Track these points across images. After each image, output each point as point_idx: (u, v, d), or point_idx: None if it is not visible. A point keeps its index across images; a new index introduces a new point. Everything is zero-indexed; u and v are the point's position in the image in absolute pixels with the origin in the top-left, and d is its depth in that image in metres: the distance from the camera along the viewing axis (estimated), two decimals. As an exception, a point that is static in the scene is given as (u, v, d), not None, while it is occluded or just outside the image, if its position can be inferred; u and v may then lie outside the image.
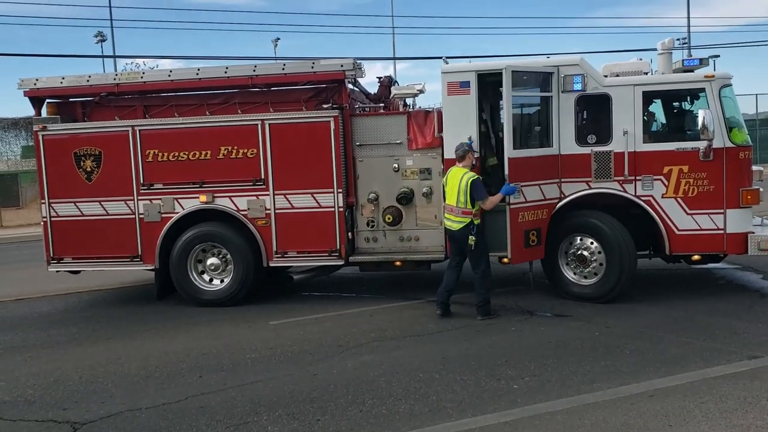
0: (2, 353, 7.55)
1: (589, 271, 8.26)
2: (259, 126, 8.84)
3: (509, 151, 7.86)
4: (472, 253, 7.69)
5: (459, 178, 7.61)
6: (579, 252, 8.27)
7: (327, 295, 9.56)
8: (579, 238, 8.28)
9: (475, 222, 7.60)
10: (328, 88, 9.04)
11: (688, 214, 8.00)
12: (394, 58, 44.28)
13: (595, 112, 8.25)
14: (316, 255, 8.95)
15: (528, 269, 8.90)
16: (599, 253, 8.18)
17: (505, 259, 8.60)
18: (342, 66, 8.80)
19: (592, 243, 8.22)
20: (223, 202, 8.96)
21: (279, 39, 61.86)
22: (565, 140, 8.20)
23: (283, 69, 9.08)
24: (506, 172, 7.83)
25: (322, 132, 8.74)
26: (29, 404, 5.86)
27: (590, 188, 8.19)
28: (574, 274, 8.36)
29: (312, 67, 8.94)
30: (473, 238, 7.56)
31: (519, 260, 8.24)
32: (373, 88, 9.90)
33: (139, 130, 9.04)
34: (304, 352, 6.91)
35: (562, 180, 8.23)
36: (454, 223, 7.68)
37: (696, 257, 8.41)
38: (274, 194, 8.87)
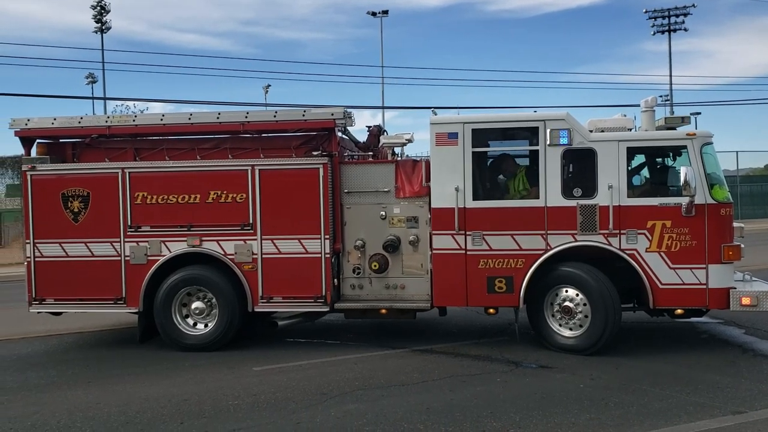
0: (-22, 395, 7.40)
1: (575, 322, 8.30)
2: (249, 171, 8.91)
3: (468, 202, 8.37)
4: None
5: None
6: (564, 303, 8.31)
7: (311, 341, 9.49)
8: (565, 289, 8.34)
9: None
10: (318, 136, 9.16)
11: (671, 268, 8.10)
12: (383, 107, 44.97)
13: (580, 166, 8.40)
14: (302, 301, 8.93)
15: (514, 320, 8.94)
16: (584, 305, 8.23)
17: (491, 310, 8.70)
18: (332, 115, 8.94)
19: (577, 295, 8.27)
20: (211, 246, 8.96)
21: (270, 85, 62.91)
22: (551, 193, 8.32)
23: (275, 116, 9.21)
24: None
25: (311, 179, 8.82)
26: (5, 449, 5.74)
27: (576, 241, 8.29)
28: (560, 325, 8.39)
29: (303, 115, 9.07)
30: None
31: (477, 304, 8.66)
32: (362, 137, 10.05)
33: (129, 173, 9.07)
34: (287, 399, 6.83)
35: (549, 232, 8.32)
36: None
37: (679, 311, 8.46)
38: (261, 239, 8.89)
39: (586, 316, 8.23)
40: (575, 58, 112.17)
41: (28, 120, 9.41)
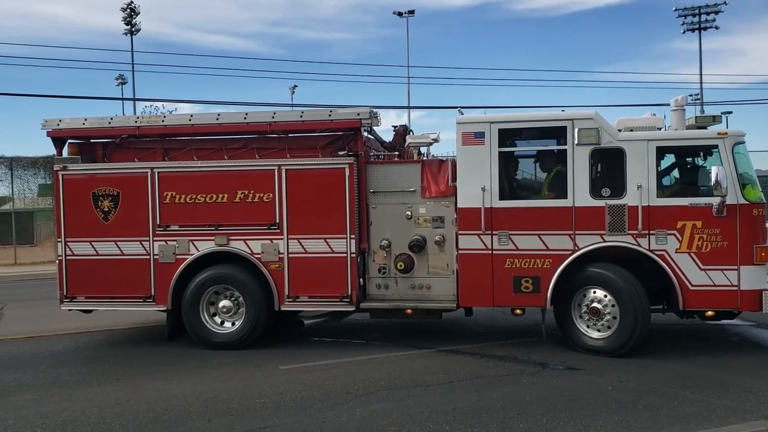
0: (12, 391, 7.53)
1: (603, 324, 8.21)
2: (276, 171, 8.96)
3: (494, 201, 8.30)
4: None
5: None
6: (592, 305, 8.23)
7: (337, 341, 9.52)
8: (593, 290, 8.25)
9: None
10: (344, 136, 9.19)
11: (701, 269, 7.98)
12: (409, 107, 45.01)
13: (609, 165, 8.31)
14: (328, 300, 8.96)
15: (540, 321, 8.87)
16: (613, 306, 8.14)
17: (518, 311, 8.64)
18: (358, 115, 8.96)
19: (605, 296, 8.18)
20: (238, 245, 9.03)
21: (296, 86, 63.36)
22: (579, 193, 8.24)
23: (301, 117, 9.26)
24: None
25: (337, 178, 8.85)
26: (37, 444, 5.84)
27: (604, 241, 8.20)
28: (588, 326, 8.31)
29: (329, 116, 9.11)
30: None
31: (504, 304, 8.56)
32: (388, 137, 10.06)
33: (158, 172, 9.18)
34: (313, 398, 6.86)
35: (576, 232, 8.25)
36: None
37: (710, 313, 8.32)
38: (287, 238, 8.94)
39: (614, 318, 8.14)
40: (604, 57, 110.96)
41: (60, 121, 9.58)
